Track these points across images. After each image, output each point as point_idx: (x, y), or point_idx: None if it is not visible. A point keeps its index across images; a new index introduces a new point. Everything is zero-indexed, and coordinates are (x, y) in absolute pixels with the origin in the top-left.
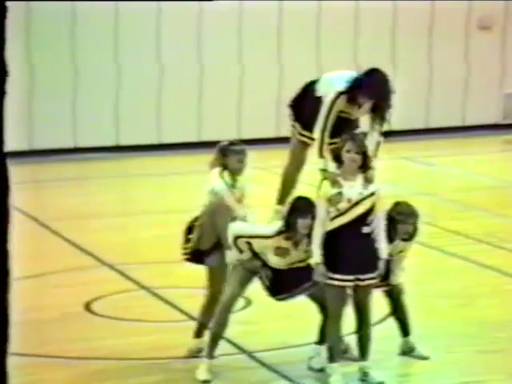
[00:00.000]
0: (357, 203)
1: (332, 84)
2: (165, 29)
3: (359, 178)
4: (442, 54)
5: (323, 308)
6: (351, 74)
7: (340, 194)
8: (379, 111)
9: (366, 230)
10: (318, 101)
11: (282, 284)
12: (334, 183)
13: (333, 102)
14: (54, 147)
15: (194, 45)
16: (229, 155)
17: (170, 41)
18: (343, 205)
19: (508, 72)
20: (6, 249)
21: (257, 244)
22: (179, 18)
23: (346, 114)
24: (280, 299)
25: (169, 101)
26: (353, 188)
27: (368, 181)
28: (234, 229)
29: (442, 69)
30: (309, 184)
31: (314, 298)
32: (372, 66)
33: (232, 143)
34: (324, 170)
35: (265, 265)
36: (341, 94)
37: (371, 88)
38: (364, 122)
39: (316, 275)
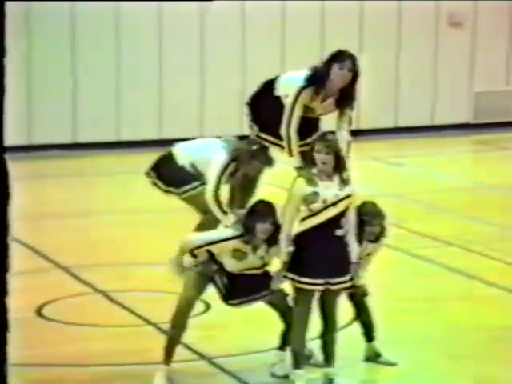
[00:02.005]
0: (331, 204)
1: (292, 82)
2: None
3: (335, 179)
4: (410, 51)
5: (284, 315)
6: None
7: (316, 193)
8: (345, 105)
9: (339, 232)
10: (277, 101)
11: (237, 289)
12: (310, 181)
13: (296, 97)
14: (8, 144)
15: (154, 46)
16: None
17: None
18: (317, 205)
19: (478, 70)
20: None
21: (215, 248)
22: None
23: (310, 112)
24: (234, 304)
25: (128, 97)
26: (328, 188)
27: (344, 182)
28: (189, 241)
29: (410, 66)
30: (272, 185)
31: (274, 305)
32: (338, 49)
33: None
34: (300, 168)
35: (221, 269)
36: (303, 88)
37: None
38: (328, 122)
39: (273, 283)
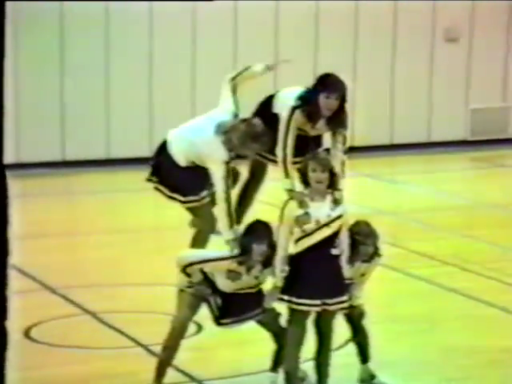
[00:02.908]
0: (324, 225)
1: (287, 100)
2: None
3: (327, 199)
4: (406, 68)
5: (276, 335)
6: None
7: (307, 214)
8: (336, 126)
9: (334, 251)
10: (275, 118)
11: (229, 308)
12: (301, 204)
13: (289, 119)
14: None
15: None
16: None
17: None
18: (310, 226)
19: (475, 86)
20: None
21: (209, 266)
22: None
23: (304, 132)
24: (226, 324)
25: (118, 114)
26: (321, 209)
27: (336, 202)
28: (184, 257)
29: (406, 83)
30: (266, 203)
31: (266, 325)
32: (326, 72)
33: None
34: (291, 190)
35: (214, 290)
36: (295, 108)
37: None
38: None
39: (266, 302)
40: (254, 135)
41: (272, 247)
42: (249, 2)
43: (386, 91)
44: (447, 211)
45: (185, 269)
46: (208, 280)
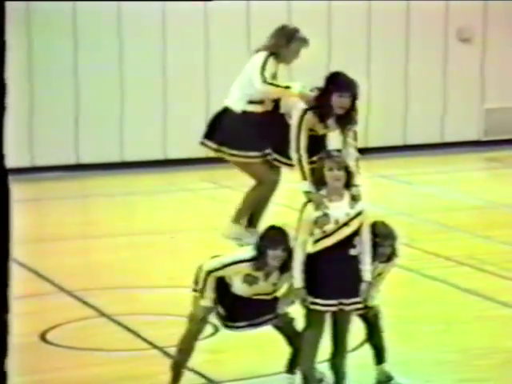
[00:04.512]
0: (344, 224)
1: (295, 104)
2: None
3: (345, 197)
4: (419, 68)
5: (290, 339)
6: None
7: (326, 215)
8: (346, 123)
9: (353, 252)
10: (283, 118)
11: (244, 312)
12: (319, 205)
13: (300, 120)
14: (10, 166)
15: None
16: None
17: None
18: (330, 226)
19: (489, 86)
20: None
21: (229, 271)
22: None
23: (313, 132)
24: (240, 327)
25: (132, 117)
26: (339, 208)
27: (355, 199)
28: (208, 264)
29: (419, 83)
30: (284, 205)
31: (281, 329)
32: (335, 71)
33: None
34: (308, 192)
35: (225, 295)
36: (306, 110)
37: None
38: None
39: (280, 308)
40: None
41: (288, 252)
42: (261, 2)
43: (400, 92)
44: (462, 212)
45: (208, 275)
46: (220, 286)
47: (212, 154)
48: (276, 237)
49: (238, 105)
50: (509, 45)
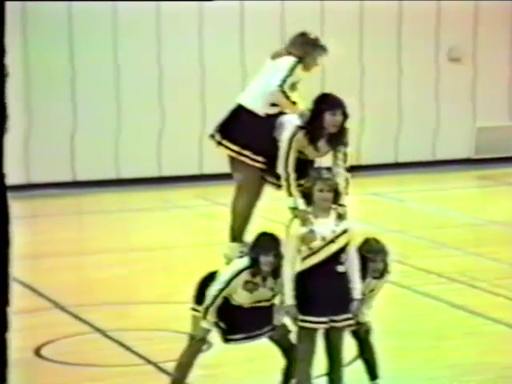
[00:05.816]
0: (331, 241)
1: (286, 126)
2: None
3: (331, 215)
4: (410, 87)
5: (286, 351)
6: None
7: (312, 231)
8: (337, 144)
9: (340, 268)
10: (275, 142)
11: (240, 325)
12: (305, 221)
13: (291, 138)
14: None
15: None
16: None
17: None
18: (317, 243)
19: (480, 105)
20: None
21: (231, 286)
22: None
23: (303, 156)
24: (235, 340)
25: (127, 134)
26: (325, 225)
27: (340, 217)
28: (212, 289)
29: (411, 101)
30: (269, 219)
31: (276, 341)
32: (323, 92)
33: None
34: (294, 208)
35: (225, 308)
36: (296, 132)
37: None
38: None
39: (276, 319)
40: (313, 41)
41: (280, 257)
42: (255, 2)
43: (392, 110)
44: (453, 229)
45: (213, 301)
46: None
47: (225, 153)
48: (267, 243)
49: (259, 107)
50: (499, 64)
